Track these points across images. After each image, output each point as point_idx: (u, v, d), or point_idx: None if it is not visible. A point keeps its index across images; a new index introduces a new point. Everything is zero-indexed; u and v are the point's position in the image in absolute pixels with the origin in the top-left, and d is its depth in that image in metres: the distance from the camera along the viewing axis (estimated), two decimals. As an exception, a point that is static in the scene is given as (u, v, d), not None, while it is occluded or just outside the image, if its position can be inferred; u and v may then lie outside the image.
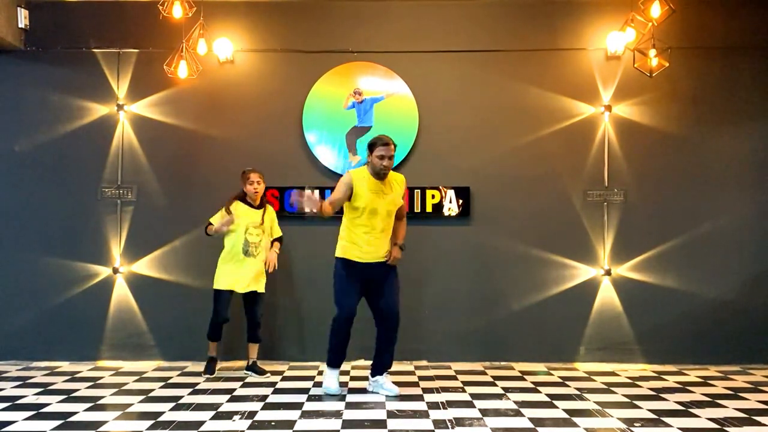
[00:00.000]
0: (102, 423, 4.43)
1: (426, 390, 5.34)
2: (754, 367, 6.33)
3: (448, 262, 6.52)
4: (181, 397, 5.13)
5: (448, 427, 4.32)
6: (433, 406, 4.86)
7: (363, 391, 5.31)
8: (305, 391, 5.34)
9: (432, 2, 6.66)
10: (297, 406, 4.86)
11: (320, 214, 5.06)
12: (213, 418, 4.55)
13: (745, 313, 6.44)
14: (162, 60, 6.27)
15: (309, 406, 4.87)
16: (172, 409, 4.76)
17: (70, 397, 5.16)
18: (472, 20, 6.64)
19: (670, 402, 5.03)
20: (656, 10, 5.70)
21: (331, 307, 5.24)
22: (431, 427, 4.33)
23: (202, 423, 4.42)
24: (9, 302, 6.52)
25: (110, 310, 6.53)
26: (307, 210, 4.97)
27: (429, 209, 6.48)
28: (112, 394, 5.23)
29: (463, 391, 5.34)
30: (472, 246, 6.53)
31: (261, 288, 5.93)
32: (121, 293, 6.55)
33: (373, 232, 5.12)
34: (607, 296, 6.51)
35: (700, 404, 4.95)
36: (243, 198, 5.91)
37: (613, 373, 6.08)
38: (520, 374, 5.99)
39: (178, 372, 6.07)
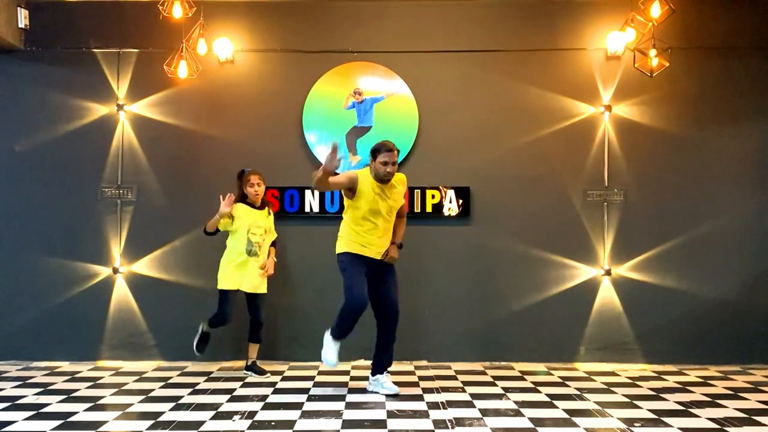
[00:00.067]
0: (102, 423, 4.43)
1: (426, 390, 5.34)
2: (754, 367, 6.33)
3: (448, 262, 6.53)
4: (181, 397, 5.14)
5: (448, 427, 4.32)
6: (433, 406, 4.86)
7: (363, 391, 5.31)
8: (305, 391, 5.34)
9: (432, 2, 6.66)
10: (297, 406, 4.86)
11: (321, 176, 4.81)
12: (213, 418, 4.55)
13: (745, 313, 6.44)
14: (162, 60, 6.27)
15: (309, 406, 4.87)
16: (172, 409, 4.76)
17: (70, 397, 5.16)
18: (472, 20, 6.64)
19: (670, 402, 5.03)
20: (656, 10, 5.70)
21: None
22: (431, 427, 4.33)
23: (202, 423, 4.42)
24: (9, 302, 6.52)
25: (110, 310, 6.53)
26: (326, 162, 4.78)
27: (429, 209, 6.48)
28: (112, 394, 5.23)
29: (463, 391, 5.34)
30: (472, 246, 6.53)
31: (264, 288, 5.94)
32: (121, 293, 6.55)
33: (375, 231, 5.14)
34: (607, 296, 6.51)
35: (700, 404, 4.95)
36: (243, 199, 5.91)
37: (613, 373, 6.09)
38: (520, 374, 5.99)
39: (178, 372, 6.07)
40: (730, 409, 4.82)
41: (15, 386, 5.48)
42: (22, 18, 6.52)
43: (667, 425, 4.39)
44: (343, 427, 4.33)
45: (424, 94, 6.57)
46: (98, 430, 4.29)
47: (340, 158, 4.87)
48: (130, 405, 4.91)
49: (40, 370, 6.15)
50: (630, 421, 4.47)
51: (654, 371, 6.20)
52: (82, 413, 4.67)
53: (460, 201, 6.49)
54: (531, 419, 4.51)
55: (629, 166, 6.55)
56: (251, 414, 4.64)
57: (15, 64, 6.62)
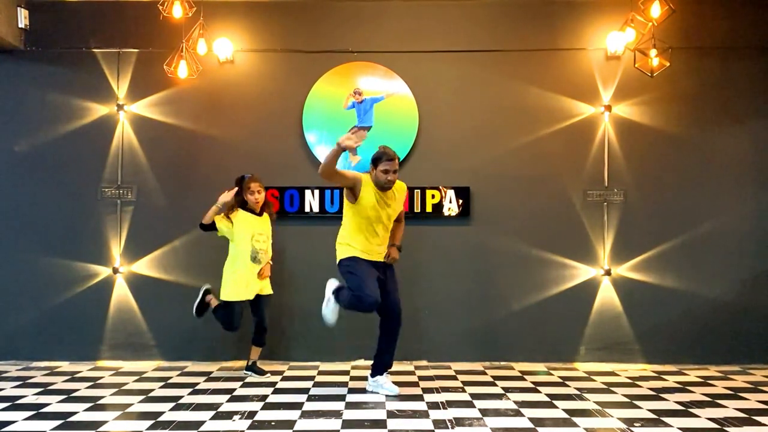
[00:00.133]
0: (102, 423, 4.43)
1: (426, 390, 5.34)
2: (754, 367, 6.33)
3: (448, 262, 6.53)
4: (181, 397, 5.13)
5: (448, 427, 4.32)
6: (433, 406, 4.86)
7: (363, 391, 5.31)
8: (305, 391, 5.34)
9: (432, 2, 6.66)
10: (297, 406, 4.86)
11: (335, 150, 4.77)
12: (213, 418, 4.55)
13: (745, 313, 6.44)
14: (162, 60, 6.27)
15: (309, 406, 4.87)
16: (172, 409, 4.76)
17: (70, 397, 5.16)
18: (472, 20, 6.64)
19: (670, 402, 5.03)
20: (656, 10, 5.70)
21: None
22: (431, 427, 4.33)
23: (202, 423, 4.42)
24: (9, 302, 6.52)
25: (110, 310, 6.53)
26: (346, 138, 4.75)
27: (429, 209, 6.48)
28: (112, 394, 5.23)
29: (463, 391, 5.34)
30: (472, 246, 6.53)
31: (269, 289, 5.93)
32: (121, 293, 6.55)
33: (374, 238, 5.14)
34: (607, 296, 6.51)
35: (700, 404, 4.95)
36: (243, 205, 5.90)
37: (613, 373, 6.08)
38: (520, 374, 5.99)
39: (178, 372, 6.07)
40: (730, 409, 4.82)
41: (15, 386, 5.48)
42: (22, 18, 6.52)
43: (667, 425, 4.39)
44: (343, 427, 4.33)
45: (424, 94, 6.57)
46: (98, 430, 4.29)
47: (359, 143, 4.82)
48: (130, 405, 4.91)
49: (40, 370, 6.15)
50: (630, 421, 4.47)
51: (654, 371, 6.20)
52: (82, 413, 4.67)
53: (460, 201, 6.49)
54: (531, 419, 4.51)
55: (629, 166, 6.55)
56: (251, 414, 4.64)
57: (15, 64, 6.62)
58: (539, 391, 5.33)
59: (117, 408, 4.83)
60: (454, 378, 5.82)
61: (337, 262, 5.20)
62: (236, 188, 5.84)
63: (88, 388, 5.46)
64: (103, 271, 6.55)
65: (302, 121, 6.57)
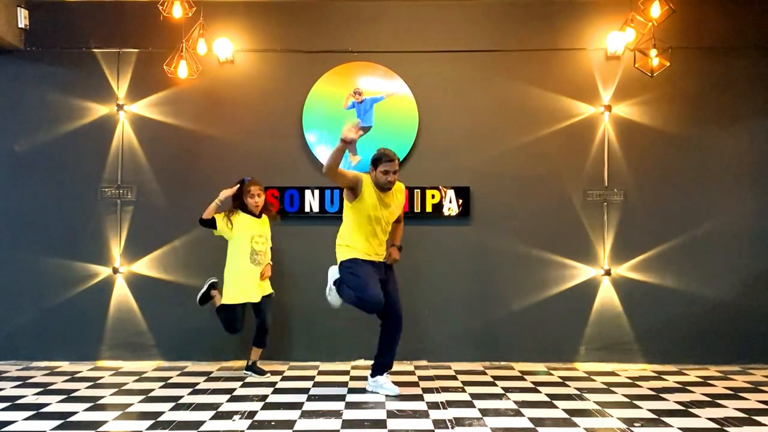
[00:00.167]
0: (102, 423, 4.43)
1: (426, 390, 5.34)
2: (754, 367, 6.33)
3: (448, 262, 6.53)
4: (181, 397, 5.13)
5: (448, 427, 4.32)
6: (433, 406, 4.86)
7: (363, 391, 5.31)
8: (305, 391, 5.34)
9: (432, 2, 6.66)
10: (297, 406, 4.86)
11: (338, 147, 4.76)
12: (213, 418, 4.55)
13: (745, 313, 6.44)
14: (162, 60, 6.27)
15: (309, 406, 4.87)
16: (172, 409, 4.76)
17: (70, 397, 5.16)
18: (472, 20, 6.64)
19: (670, 402, 5.03)
20: (656, 10, 5.71)
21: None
22: (431, 427, 4.33)
23: (202, 423, 4.42)
24: (9, 302, 6.52)
25: (110, 310, 6.53)
26: (347, 130, 4.74)
27: (429, 209, 6.48)
28: (112, 394, 5.23)
29: (463, 391, 5.34)
30: (472, 246, 6.53)
31: (270, 288, 5.94)
32: (121, 293, 6.55)
33: (374, 239, 5.14)
34: (607, 296, 6.51)
35: (700, 404, 4.95)
36: (243, 208, 5.90)
37: (613, 373, 6.08)
38: (520, 374, 5.99)
39: (178, 372, 6.07)
40: (730, 409, 4.82)
41: (15, 386, 5.48)
42: (22, 18, 6.52)
43: (667, 425, 4.39)
44: (343, 427, 4.33)
45: (424, 94, 6.57)
46: (98, 430, 4.29)
47: (359, 132, 4.82)
48: (130, 405, 4.91)
49: (40, 370, 6.15)
50: (630, 421, 4.47)
51: (654, 371, 6.20)
52: (82, 413, 4.67)
53: (460, 201, 6.49)
54: (531, 419, 4.51)
55: (629, 166, 6.55)
56: (251, 414, 4.64)
57: (15, 64, 6.62)
58: (539, 391, 5.33)
59: (117, 408, 4.83)
60: (454, 378, 5.82)
61: (338, 264, 5.20)
62: (238, 185, 5.85)
63: (88, 388, 5.46)
64: (103, 271, 6.55)
65: (302, 121, 6.57)
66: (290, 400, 5.04)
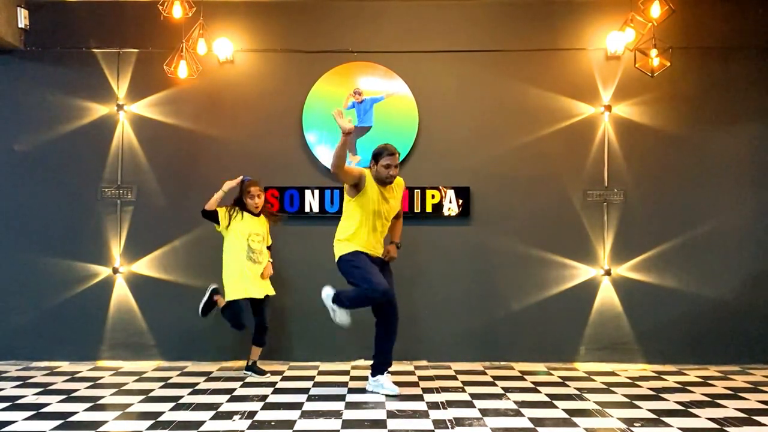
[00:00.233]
0: (102, 423, 4.43)
1: (426, 390, 5.34)
2: (754, 367, 6.33)
3: (448, 262, 6.52)
4: (181, 397, 5.13)
5: (448, 427, 4.32)
6: (433, 406, 4.86)
7: (363, 391, 5.31)
8: (305, 391, 5.34)
9: (432, 2, 6.66)
10: (297, 406, 4.86)
11: (341, 143, 4.78)
12: (213, 418, 4.55)
13: (745, 313, 6.44)
14: (162, 60, 6.27)
15: (309, 406, 4.87)
16: (172, 409, 4.76)
17: (70, 397, 5.16)
18: (472, 20, 6.64)
19: (670, 402, 5.03)
20: (656, 10, 5.71)
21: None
22: (431, 427, 4.33)
23: (202, 423, 4.42)
24: (9, 302, 6.52)
25: (110, 310, 6.53)
26: (345, 123, 4.77)
27: (429, 209, 6.49)
28: (112, 394, 5.23)
29: (463, 391, 5.34)
30: (472, 246, 6.53)
31: (271, 289, 5.94)
32: (121, 293, 6.55)
33: (374, 234, 5.16)
34: (607, 296, 6.51)
35: (700, 404, 4.95)
36: (243, 206, 5.90)
37: (613, 373, 6.08)
38: (520, 374, 5.99)
39: (178, 372, 6.07)
40: (730, 409, 4.82)
41: (15, 386, 5.48)
42: (22, 18, 6.52)
43: (667, 425, 4.39)
44: (343, 427, 4.33)
45: (424, 94, 6.57)
46: (98, 430, 4.29)
47: (349, 118, 4.96)
48: (130, 405, 4.90)
49: (40, 370, 6.15)
50: (630, 421, 4.47)
51: (654, 371, 6.20)
52: (82, 413, 4.67)
53: (460, 201, 6.49)
54: (531, 419, 4.51)
55: (629, 166, 6.55)
56: (251, 414, 4.64)
57: (15, 64, 6.62)
58: (539, 391, 5.33)
59: (117, 408, 4.83)
60: (454, 378, 5.82)
61: (336, 259, 5.19)
62: (241, 178, 5.87)
63: (88, 388, 5.46)
64: (103, 271, 6.55)
65: (302, 121, 6.57)
66: (290, 400, 5.04)
